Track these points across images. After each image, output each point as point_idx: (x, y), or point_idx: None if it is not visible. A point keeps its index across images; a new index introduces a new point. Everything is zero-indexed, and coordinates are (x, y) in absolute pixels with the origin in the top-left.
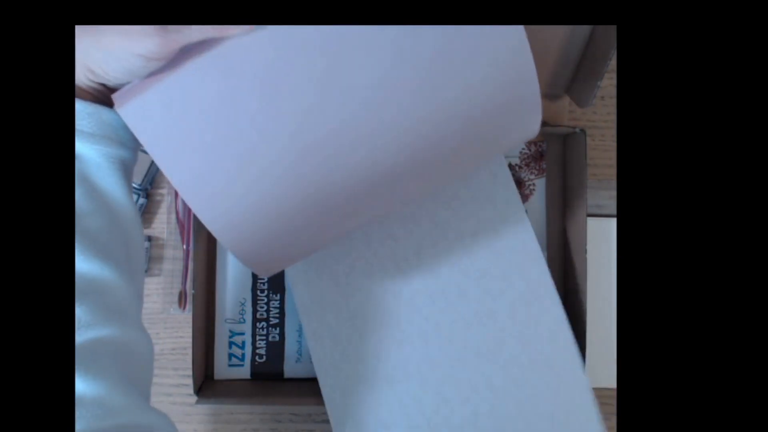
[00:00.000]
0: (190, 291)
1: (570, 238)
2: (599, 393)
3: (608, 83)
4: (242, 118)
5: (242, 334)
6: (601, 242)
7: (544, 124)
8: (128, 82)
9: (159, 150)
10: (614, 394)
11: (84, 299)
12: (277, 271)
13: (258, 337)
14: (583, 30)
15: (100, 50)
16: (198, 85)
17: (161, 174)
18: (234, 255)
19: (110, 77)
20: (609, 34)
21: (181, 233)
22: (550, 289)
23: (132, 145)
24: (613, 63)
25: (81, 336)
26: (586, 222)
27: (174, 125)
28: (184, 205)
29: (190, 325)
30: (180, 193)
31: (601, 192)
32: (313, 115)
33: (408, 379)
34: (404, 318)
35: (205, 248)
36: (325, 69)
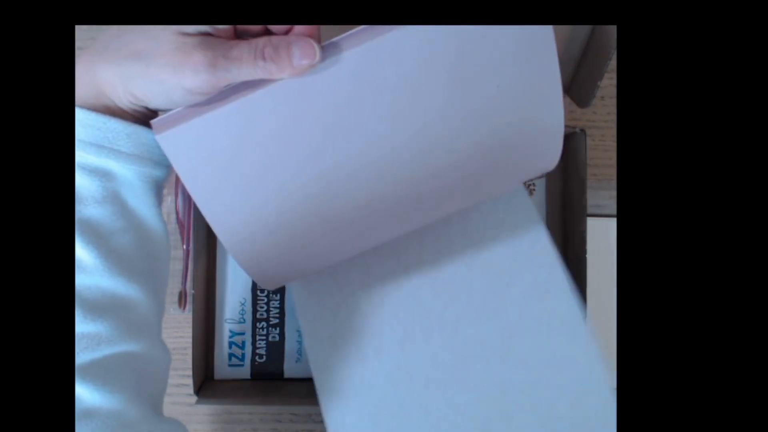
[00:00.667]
0: (190, 291)
1: (570, 238)
2: None
3: (608, 83)
4: (274, 157)
5: (242, 334)
6: (601, 242)
7: None
8: (169, 109)
9: (191, 178)
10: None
11: (107, 315)
12: (283, 284)
13: (258, 337)
14: (583, 30)
15: (147, 80)
16: (236, 122)
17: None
18: (250, 275)
19: (152, 104)
20: (609, 34)
21: (181, 233)
22: (563, 280)
23: (166, 163)
24: (613, 63)
25: (102, 351)
26: (586, 222)
27: (208, 157)
28: (184, 205)
29: (190, 325)
30: (207, 219)
31: (601, 192)
32: (337, 153)
33: (410, 380)
34: (407, 315)
35: (205, 248)
36: (346, 97)
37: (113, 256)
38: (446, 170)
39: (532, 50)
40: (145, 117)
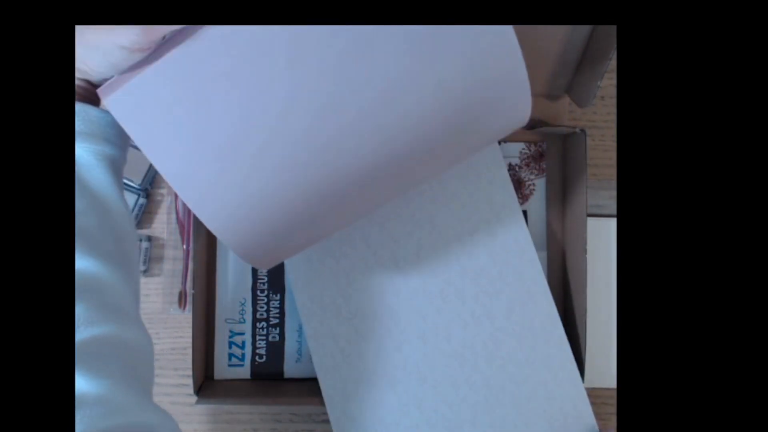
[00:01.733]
0: (190, 291)
1: (570, 238)
2: (599, 393)
3: (608, 83)
4: (228, 104)
5: (242, 334)
6: (601, 242)
7: (544, 124)
8: (112, 77)
9: (146, 140)
10: (614, 394)
11: (81, 297)
12: (274, 263)
13: (258, 337)
14: (583, 30)
15: (84, 46)
16: (181, 71)
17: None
18: (230, 248)
19: (95, 72)
20: (609, 34)
21: (181, 233)
22: (544, 288)
23: (119, 143)
24: (613, 63)
25: (81, 334)
26: (586, 222)
27: (159, 114)
28: (184, 205)
29: (190, 325)
30: (169, 183)
31: (601, 192)
32: (302, 101)
33: (408, 378)
34: (403, 318)
35: (205, 248)
36: (302, 54)
37: (80, 237)
38: (416, 129)
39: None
40: (91, 95)
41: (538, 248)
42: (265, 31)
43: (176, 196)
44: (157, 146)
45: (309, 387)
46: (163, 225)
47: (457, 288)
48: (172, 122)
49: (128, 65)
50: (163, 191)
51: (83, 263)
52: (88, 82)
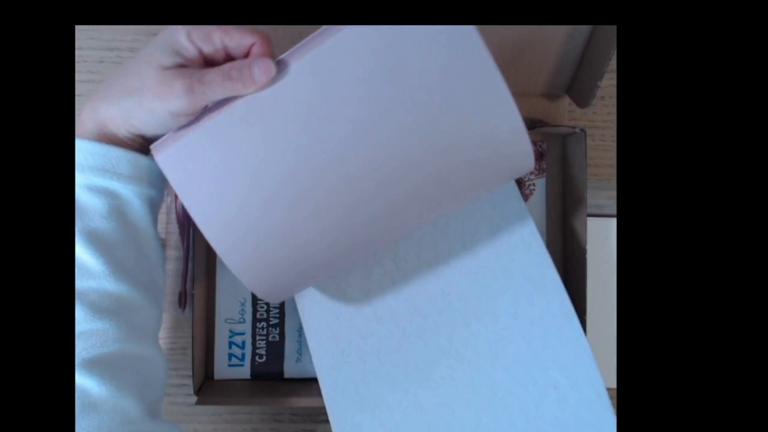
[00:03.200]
0: (189, 291)
1: (570, 238)
2: None
3: (608, 83)
4: (260, 166)
5: (242, 334)
6: (601, 242)
7: (544, 124)
8: (163, 133)
9: (188, 194)
10: (614, 394)
11: (113, 316)
12: (284, 298)
13: (258, 337)
14: (583, 30)
15: (142, 111)
16: (218, 136)
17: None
18: (261, 294)
19: (148, 130)
20: (609, 34)
21: (181, 233)
22: (555, 282)
23: (160, 185)
24: (613, 63)
25: (110, 347)
26: (586, 222)
27: (199, 172)
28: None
29: (190, 325)
30: (205, 235)
31: (601, 192)
32: (328, 165)
33: (408, 379)
34: (404, 318)
35: (205, 248)
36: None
37: (117, 264)
38: (419, 177)
39: (463, 59)
40: (141, 146)
41: None
42: (284, 101)
43: (176, 196)
44: (197, 200)
45: (309, 387)
46: (163, 225)
47: (458, 287)
48: (211, 180)
49: (176, 125)
50: (164, 194)
51: (119, 287)
52: (141, 136)
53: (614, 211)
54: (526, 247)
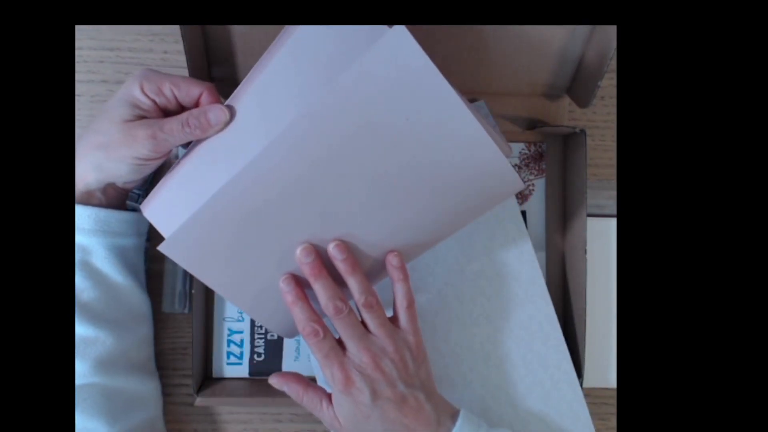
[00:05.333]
0: (189, 290)
1: (570, 238)
2: (599, 393)
3: (608, 83)
4: (253, 234)
5: (241, 332)
6: (601, 242)
7: (544, 124)
8: (133, 180)
9: (202, 272)
10: (614, 394)
11: (78, 354)
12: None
13: (256, 336)
14: (583, 30)
15: (112, 162)
16: (193, 179)
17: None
18: (274, 331)
19: (119, 179)
20: (609, 34)
21: None
22: (542, 290)
23: (130, 232)
24: (613, 63)
25: (78, 382)
26: (586, 222)
27: (203, 249)
28: None
29: (190, 324)
30: (193, 275)
31: (601, 192)
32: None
33: None
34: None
35: None
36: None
37: (82, 308)
38: (415, 217)
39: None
40: (113, 197)
41: (537, 248)
42: (240, 138)
43: None
44: (212, 275)
45: None
46: None
47: (455, 289)
48: (212, 253)
49: (149, 170)
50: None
51: (86, 330)
52: (112, 186)
53: (614, 211)
54: (518, 254)
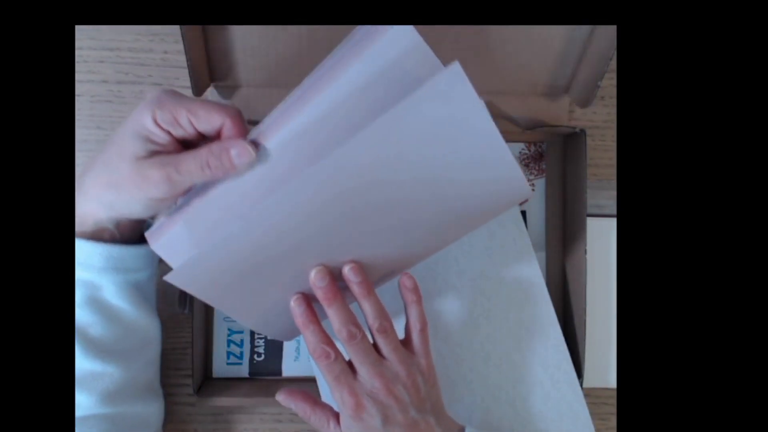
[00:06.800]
0: None
1: (570, 238)
2: (599, 393)
3: (608, 83)
4: (251, 242)
5: (241, 332)
6: (601, 242)
7: (544, 124)
8: (149, 215)
9: (212, 298)
10: (614, 394)
11: (84, 387)
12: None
13: (256, 336)
14: (583, 30)
15: (122, 202)
16: (207, 220)
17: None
18: (271, 336)
19: (132, 215)
20: (609, 34)
21: None
22: (542, 289)
23: (145, 266)
24: (613, 63)
25: (79, 413)
26: (586, 222)
27: (211, 280)
28: None
29: (190, 324)
30: (206, 301)
31: (601, 192)
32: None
33: None
34: (401, 318)
35: None
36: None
37: (90, 343)
38: (425, 231)
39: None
40: (128, 228)
41: (537, 248)
42: (264, 181)
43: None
44: (221, 300)
45: (308, 386)
46: None
47: (455, 289)
48: (220, 284)
49: (162, 208)
50: None
51: (92, 364)
52: (128, 219)
53: (614, 211)
54: (518, 253)
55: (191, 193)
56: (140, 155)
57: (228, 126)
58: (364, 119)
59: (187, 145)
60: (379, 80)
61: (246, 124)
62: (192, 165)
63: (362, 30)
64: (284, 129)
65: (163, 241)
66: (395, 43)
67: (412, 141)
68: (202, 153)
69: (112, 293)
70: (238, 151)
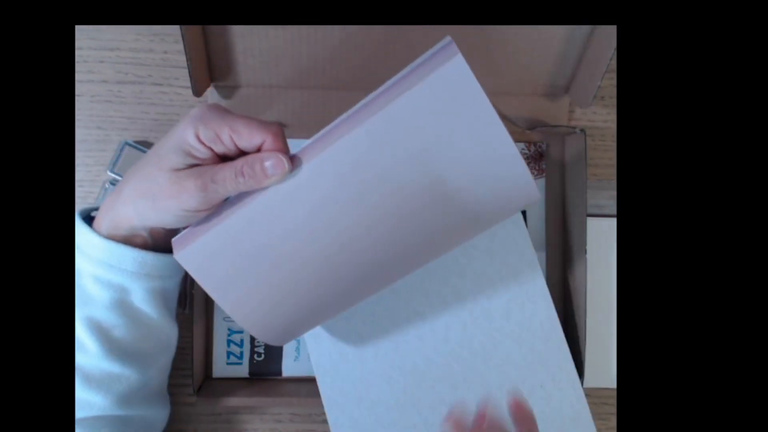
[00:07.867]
0: (189, 290)
1: (570, 238)
2: (599, 393)
3: (608, 83)
4: (275, 255)
5: (240, 332)
6: (601, 242)
7: (544, 124)
8: (182, 226)
9: (206, 281)
10: (614, 394)
11: (102, 388)
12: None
13: None
14: (583, 30)
15: (157, 211)
16: (235, 233)
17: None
18: (270, 341)
19: (166, 225)
20: (609, 34)
21: None
22: (543, 289)
23: (174, 274)
24: (613, 63)
25: (92, 413)
26: (586, 222)
27: (217, 264)
28: None
29: (190, 324)
30: (230, 314)
31: (601, 192)
32: (338, 241)
33: (405, 378)
34: (402, 318)
35: None
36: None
37: (112, 345)
38: (430, 234)
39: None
40: (161, 235)
41: (537, 248)
42: (299, 197)
43: None
44: (216, 286)
45: (308, 386)
46: None
47: (455, 288)
48: (227, 269)
49: (195, 220)
50: None
51: (112, 365)
52: (162, 227)
53: (614, 211)
54: (519, 253)
55: (221, 206)
56: (178, 167)
57: (269, 143)
58: (405, 149)
59: (225, 159)
60: (425, 114)
61: (286, 142)
62: (227, 172)
63: (417, 62)
64: (328, 148)
65: (186, 250)
66: (446, 79)
67: (414, 133)
68: (238, 162)
69: (140, 298)
70: (273, 162)
